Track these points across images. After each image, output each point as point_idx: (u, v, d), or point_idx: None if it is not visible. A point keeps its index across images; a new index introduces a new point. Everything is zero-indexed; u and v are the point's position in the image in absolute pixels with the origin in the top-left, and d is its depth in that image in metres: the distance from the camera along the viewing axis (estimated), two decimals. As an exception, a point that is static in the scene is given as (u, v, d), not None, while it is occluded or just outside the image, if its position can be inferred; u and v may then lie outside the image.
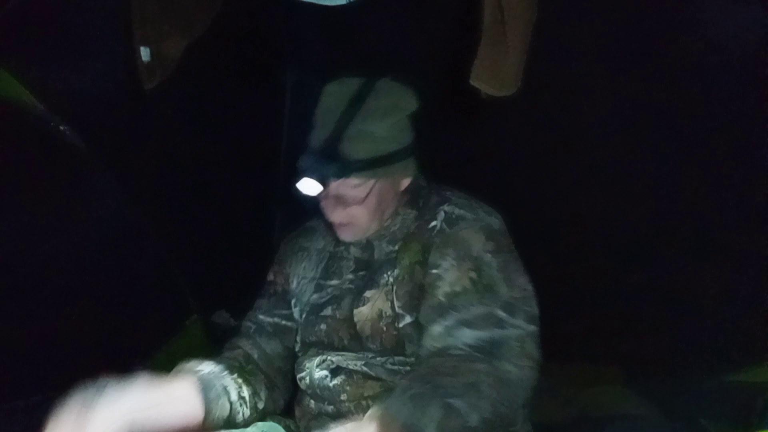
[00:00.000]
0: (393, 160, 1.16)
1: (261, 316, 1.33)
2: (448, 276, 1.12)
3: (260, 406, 1.26)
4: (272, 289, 1.37)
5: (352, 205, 1.18)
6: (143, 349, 2.03)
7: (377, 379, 1.17)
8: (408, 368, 1.15)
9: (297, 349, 1.30)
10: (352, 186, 1.16)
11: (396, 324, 1.16)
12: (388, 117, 1.15)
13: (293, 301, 1.32)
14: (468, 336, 1.07)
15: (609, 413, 1.61)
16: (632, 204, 1.53)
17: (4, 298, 1.44)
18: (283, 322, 1.33)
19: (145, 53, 1.33)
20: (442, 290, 1.12)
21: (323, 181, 1.14)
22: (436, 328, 1.10)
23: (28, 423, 1.60)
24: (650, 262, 1.55)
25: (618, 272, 1.61)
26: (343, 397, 1.18)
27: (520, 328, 1.09)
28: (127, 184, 1.73)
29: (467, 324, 1.08)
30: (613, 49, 1.43)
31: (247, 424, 1.23)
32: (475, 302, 1.09)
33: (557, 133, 1.62)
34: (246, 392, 1.23)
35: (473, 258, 1.13)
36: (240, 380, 1.23)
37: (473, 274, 1.11)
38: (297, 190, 1.17)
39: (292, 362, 1.32)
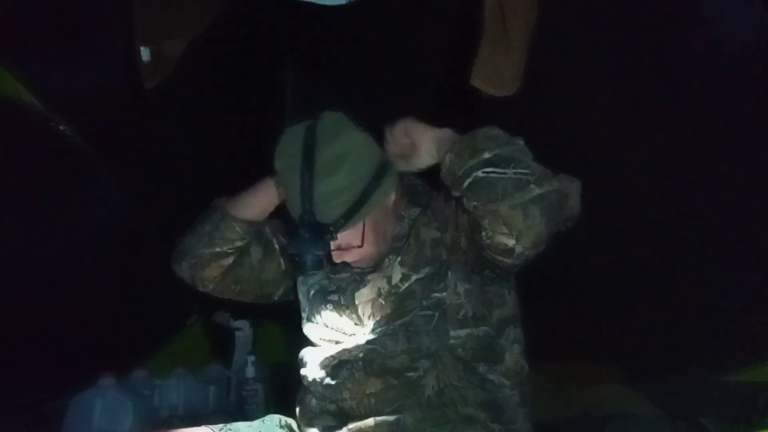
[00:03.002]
0: (368, 195, 1.16)
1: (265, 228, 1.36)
2: None
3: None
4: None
5: (353, 248, 1.19)
6: (143, 349, 2.03)
7: (379, 375, 1.17)
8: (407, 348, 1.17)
9: (303, 327, 1.32)
10: (345, 238, 1.17)
11: (397, 290, 1.19)
12: (342, 165, 1.13)
13: (300, 278, 1.34)
14: None
15: (609, 412, 1.61)
16: (633, 204, 1.53)
17: (4, 297, 1.44)
18: (277, 246, 1.35)
19: (145, 53, 1.33)
20: None
21: (321, 260, 1.15)
22: None
23: (28, 423, 1.61)
24: (651, 261, 1.55)
25: (619, 272, 1.61)
26: (345, 394, 1.19)
27: None
28: (128, 184, 1.73)
29: None
30: (613, 49, 1.43)
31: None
32: None
33: (558, 133, 1.62)
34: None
35: None
36: None
37: None
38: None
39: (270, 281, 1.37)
